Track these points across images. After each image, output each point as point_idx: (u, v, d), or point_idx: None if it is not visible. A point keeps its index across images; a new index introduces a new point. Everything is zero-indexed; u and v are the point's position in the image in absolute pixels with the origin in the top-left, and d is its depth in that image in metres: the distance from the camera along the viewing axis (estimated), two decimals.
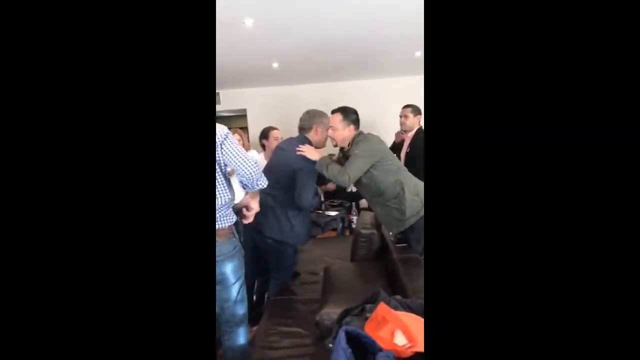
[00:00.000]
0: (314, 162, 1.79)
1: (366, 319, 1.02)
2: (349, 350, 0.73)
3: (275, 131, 2.64)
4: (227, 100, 5.15)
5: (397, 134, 3.10)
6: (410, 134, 2.68)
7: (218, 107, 5.19)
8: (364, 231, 2.09)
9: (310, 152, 1.80)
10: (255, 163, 1.28)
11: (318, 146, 1.92)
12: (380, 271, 1.82)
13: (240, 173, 1.24)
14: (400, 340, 0.90)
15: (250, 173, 1.24)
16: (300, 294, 1.94)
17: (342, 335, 0.76)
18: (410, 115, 2.66)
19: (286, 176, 1.84)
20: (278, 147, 2.04)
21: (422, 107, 2.48)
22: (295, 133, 2.00)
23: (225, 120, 6.40)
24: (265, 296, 2.22)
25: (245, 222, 1.50)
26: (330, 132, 1.87)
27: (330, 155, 2.37)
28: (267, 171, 1.83)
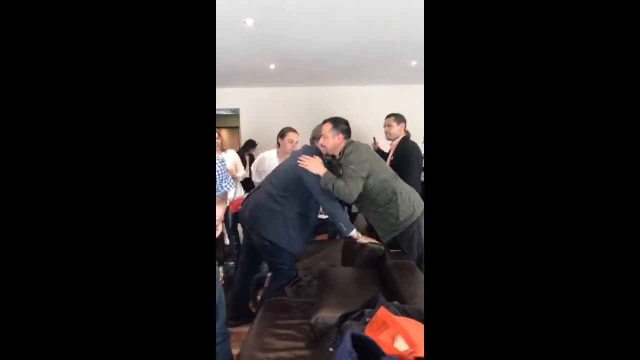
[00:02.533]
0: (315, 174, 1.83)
1: (365, 323, 1.03)
2: (355, 354, 0.73)
3: (291, 133, 2.59)
4: (220, 98, 5.11)
5: (373, 144, 3.16)
6: (395, 142, 2.70)
7: None
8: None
9: (312, 165, 1.81)
10: (222, 162, 1.22)
11: (331, 153, 1.96)
12: (375, 276, 1.83)
13: None
14: (401, 345, 0.91)
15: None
16: (292, 296, 1.94)
17: (347, 339, 0.77)
18: (394, 124, 2.68)
19: (292, 182, 1.86)
20: (293, 153, 2.07)
21: (419, 116, 2.53)
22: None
23: (217, 118, 6.34)
24: (258, 294, 2.22)
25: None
26: (321, 140, 1.92)
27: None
28: (274, 174, 1.97)
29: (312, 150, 1.96)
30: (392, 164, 2.66)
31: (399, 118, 2.71)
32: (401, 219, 1.81)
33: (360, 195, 1.84)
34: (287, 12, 2.39)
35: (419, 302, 1.37)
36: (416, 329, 0.95)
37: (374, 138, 3.77)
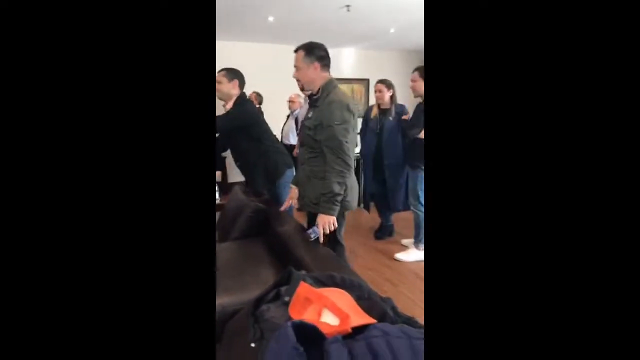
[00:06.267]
0: None
1: (285, 304, 0.91)
2: (302, 348, 0.61)
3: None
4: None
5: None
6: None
7: None
8: (250, 204, 1.92)
9: None
10: None
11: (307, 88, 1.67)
12: (266, 247, 1.71)
13: None
14: (330, 319, 0.84)
15: None
16: None
17: (288, 330, 0.63)
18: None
19: None
20: None
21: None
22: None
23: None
24: None
25: None
26: (294, 72, 1.60)
27: None
28: None
29: None
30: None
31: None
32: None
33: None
34: None
35: (323, 265, 1.34)
36: (341, 298, 0.89)
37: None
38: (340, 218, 1.65)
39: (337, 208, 1.56)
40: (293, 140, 3.98)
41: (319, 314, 0.87)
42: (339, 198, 1.54)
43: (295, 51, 1.63)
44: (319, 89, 1.61)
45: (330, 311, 0.86)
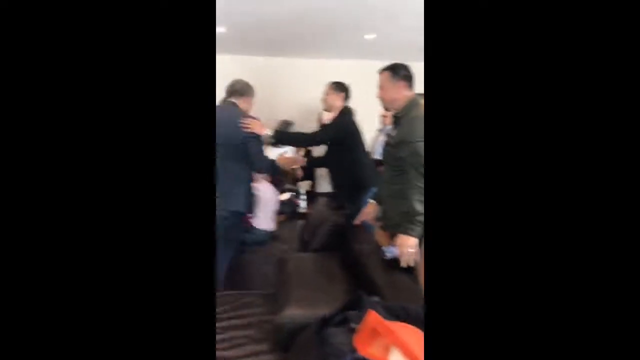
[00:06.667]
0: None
1: (351, 330, 0.86)
2: None
3: None
4: None
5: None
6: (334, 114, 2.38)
7: None
8: (331, 217, 1.93)
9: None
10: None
11: (390, 107, 1.71)
12: (342, 263, 1.68)
13: None
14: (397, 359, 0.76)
15: None
16: (250, 287, 1.73)
17: None
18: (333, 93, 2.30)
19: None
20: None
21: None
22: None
23: None
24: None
25: None
26: (378, 92, 1.65)
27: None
28: None
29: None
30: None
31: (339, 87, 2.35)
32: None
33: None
34: None
35: (397, 294, 1.25)
36: (414, 337, 0.80)
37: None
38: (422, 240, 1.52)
39: (419, 229, 1.44)
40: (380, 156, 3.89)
41: (386, 351, 0.80)
42: (421, 218, 1.43)
43: (381, 72, 1.62)
44: (403, 107, 1.57)
45: (400, 351, 0.78)
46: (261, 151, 1.90)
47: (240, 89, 1.94)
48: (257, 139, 1.87)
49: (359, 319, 0.87)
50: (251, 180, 1.99)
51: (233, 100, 1.92)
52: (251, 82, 2.00)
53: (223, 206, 1.79)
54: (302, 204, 3.46)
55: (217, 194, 1.75)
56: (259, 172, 2.03)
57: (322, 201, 2.30)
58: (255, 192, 2.18)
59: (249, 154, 1.85)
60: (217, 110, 1.77)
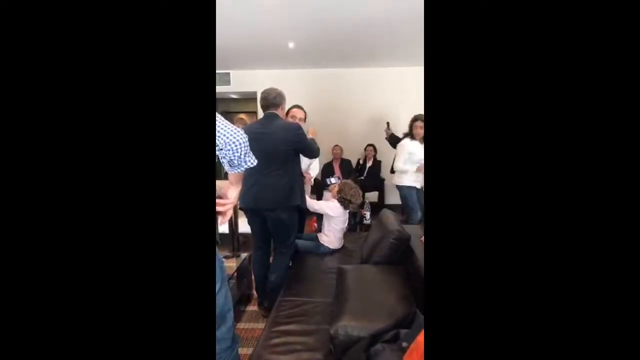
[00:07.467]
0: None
1: (402, 350, 0.82)
2: None
3: (295, 110, 2.48)
4: (237, 81, 4.92)
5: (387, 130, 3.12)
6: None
7: (228, 89, 4.97)
8: (394, 230, 1.88)
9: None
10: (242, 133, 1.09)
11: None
12: (402, 277, 1.61)
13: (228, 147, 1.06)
14: None
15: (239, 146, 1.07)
16: (307, 294, 1.75)
17: None
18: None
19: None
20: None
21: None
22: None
23: (234, 102, 6.17)
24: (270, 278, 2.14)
25: (222, 222, 1.28)
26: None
27: None
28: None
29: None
30: None
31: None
32: None
33: None
34: None
35: None
36: None
37: (388, 123, 3.65)
38: None
39: None
40: None
41: None
42: None
43: None
44: None
45: None
46: (312, 146, 2.12)
47: (274, 101, 2.04)
48: (312, 140, 2.16)
49: (411, 338, 0.83)
50: (304, 179, 2.22)
51: (273, 111, 2.04)
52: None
53: (285, 203, 1.97)
54: (368, 215, 3.43)
55: (281, 194, 1.96)
56: (312, 157, 2.26)
57: (384, 213, 2.24)
58: (326, 211, 2.33)
59: (305, 153, 2.09)
60: (273, 120, 2.02)
